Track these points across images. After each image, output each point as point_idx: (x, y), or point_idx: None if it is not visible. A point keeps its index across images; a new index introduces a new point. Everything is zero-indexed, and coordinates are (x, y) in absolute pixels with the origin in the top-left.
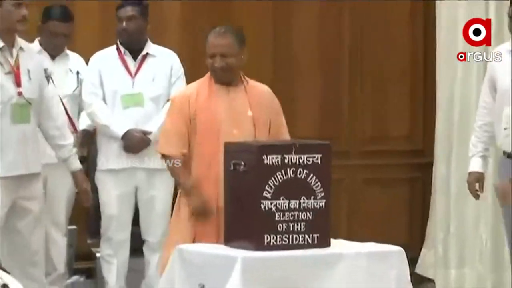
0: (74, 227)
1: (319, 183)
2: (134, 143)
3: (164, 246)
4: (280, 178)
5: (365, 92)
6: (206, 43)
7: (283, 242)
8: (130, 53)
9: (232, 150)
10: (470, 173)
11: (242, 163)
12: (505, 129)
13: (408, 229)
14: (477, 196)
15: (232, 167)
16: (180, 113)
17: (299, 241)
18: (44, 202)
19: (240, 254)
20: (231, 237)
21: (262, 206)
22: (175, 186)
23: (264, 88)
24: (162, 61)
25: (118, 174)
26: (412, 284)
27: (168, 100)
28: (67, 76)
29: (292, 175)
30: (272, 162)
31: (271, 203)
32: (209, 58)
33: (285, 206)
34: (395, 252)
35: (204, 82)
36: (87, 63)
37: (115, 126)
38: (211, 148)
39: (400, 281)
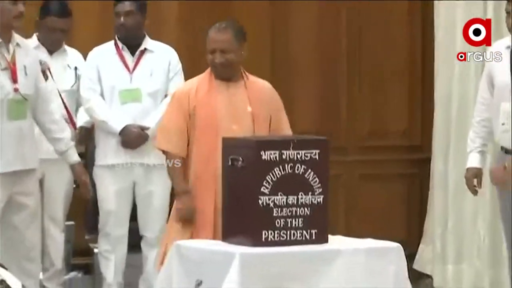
0: (71, 222)
1: (317, 178)
2: (132, 138)
3: (162, 242)
4: (278, 173)
5: (363, 90)
6: (206, 39)
7: (281, 238)
8: (128, 49)
9: (230, 146)
10: (468, 169)
11: (240, 158)
12: (503, 124)
13: (406, 225)
14: (475, 192)
15: (230, 163)
16: (180, 109)
17: (297, 237)
18: (40, 197)
19: (238, 250)
20: (229, 233)
21: (260, 201)
22: None
23: (264, 84)
24: (160, 56)
25: (116, 169)
26: (410, 280)
27: (166, 96)
28: (65, 72)
29: (290, 171)
30: (270, 157)
31: (269, 199)
32: (209, 54)
33: (283, 202)
34: (393, 248)
35: (204, 78)
36: (85, 59)
37: (113, 121)
38: (210, 143)
39: (398, 277)
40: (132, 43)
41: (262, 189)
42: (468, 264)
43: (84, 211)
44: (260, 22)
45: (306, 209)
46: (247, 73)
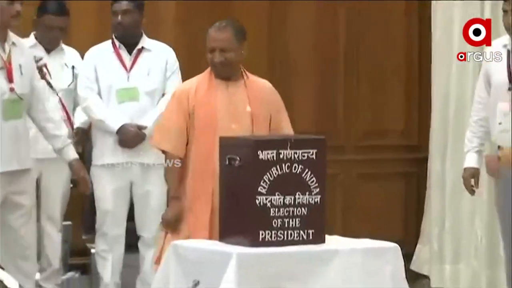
0: (69, 222)
1: (314, 178)
2: (129, 137)
3: (159, 241)
4: (275, 173)
5: (361, 89)
6: (206, 38)
7: (278, 238)
8: (125, 47)
9: (228, 145)
10: (465, 169)
11: (237, 158)
12: (500, 124)
13: (403, 224)
14: (472, 192)
15: (227, 162)
16: (180, 108)
17: (294, 237)
18: (37, 197)
19: (235, 250)
20: (226, 233)
21: (257, 201)
22: None
23: (265, 84)
24: (157, 55)
25: (113, 169)
26: (407, 281)
27: (163, 95)
28: (62, 71)
29: (287, 170)
30: (267, 157)
31: (266, 199)
32: (208, 53)
33: (280, 202)
34: (390, 248)
35: (204, 77)
36: (83, 58)
37: (110, 120)
38: (208, 142)
39: (395, 278)
40: (129, 42)
41: (259, 189)
42: (466, 264)
43: (81, 211)
44: (258, 21)
45: (303, 209)
46: (247, 73)
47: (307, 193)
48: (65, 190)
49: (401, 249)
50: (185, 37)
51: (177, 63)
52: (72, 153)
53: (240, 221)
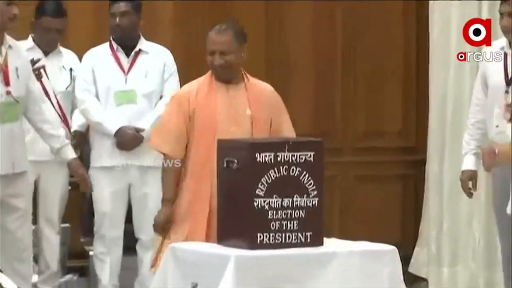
0: (67, 225)
1: (311, 181)
2: (127, 140)
3: (156, 243)
4: (273, 176)
5: (358, 90)
6: (207, 40)
7: (276, 241)
8: (123, 50)
9: (225, 147)
10: (463, 171)
11: (235, 160)
12: (497, 126)
13: (401, 226)
14: (470, 195)
15: (225, 165)
16: (180, 111)
17: (292, 239)
18: (32, 199)
19: (233, 253)
20: (224, 236)
21: (255, 204)
22: None
23: (266, 87)
24: (155, 57)
25: (111, 171)
26: (405, 283)
27: (161, 97)
28: (60, 73)
29: (285, 173)
30: (264, 159)
31: (264, 201)
32: (209, 55)
33: (278, 204)
34: (388, 251)
35: (205, 80)
36: (80, 60)
37: (108, 123)
38: (207, 145)
39: (393, 280)
40: (127, 44)
41: (257, 192)
42: (463, 266)
43: (79, 214)
44: (256, 22)
45: (301, 211)
46: (248, 75)
47: (305, 195)
48: (63, 193)
49: (399, 251)
50: (182, 37)
51: (175, 66)
52: (70, 153)
53: (238, 223)
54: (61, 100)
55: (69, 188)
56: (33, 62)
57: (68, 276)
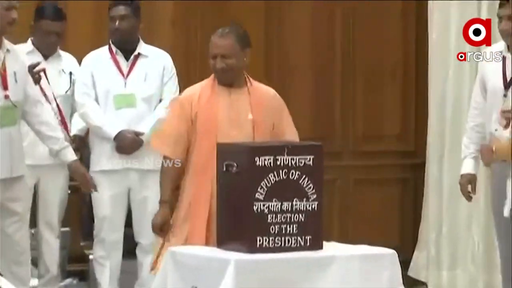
0: (67, 229)
1: (311, 184)
2: (127, 144)
3: (156, 247)
4: (273, 179)
5: (357, 92)
6: (209, 44)
7: (276, 245)
8: (122, 53)
9: (225, 151)
10: (462, 175)
11: (234, 164)
12: (496, 130)
13: (400, 230)
14: (469, 198)
15: (224, 168)
16: (181, 114)
17: (291, 243)
18: (30, 202)
19: (233, 257)
20: (224, 239)
21: (255, 207)
22: None
23: (268, 90)
24: (154, 61)
25: (111, 175)
26: (405, 287)
27: (160, 100)
28: (60, 77)
29: (284, 177)
30: (264, 163)
31: (263, 205)
32: (211, 59)
33: (278, 208)
34: (388, 254)
35: (208, 83)
36: (80, 63)
37: (108, 127)
38: (208, 148)
39: (392, 283)
40: (126, 48)
41: (256, 195)
42: (463, 270)
43: (79, 217)
44: (255, 22)
45: (300, 215)
46: (251, 79)
47: (304, 199)
48: (63, 197)
49: (398, 255)
50: (182, 37)
51: (174, 69)
52: (70, 155)
53: (237, 227)
54: (61, 103)
55: (69, 192)
56: (33, 65)
57: (68, 280)
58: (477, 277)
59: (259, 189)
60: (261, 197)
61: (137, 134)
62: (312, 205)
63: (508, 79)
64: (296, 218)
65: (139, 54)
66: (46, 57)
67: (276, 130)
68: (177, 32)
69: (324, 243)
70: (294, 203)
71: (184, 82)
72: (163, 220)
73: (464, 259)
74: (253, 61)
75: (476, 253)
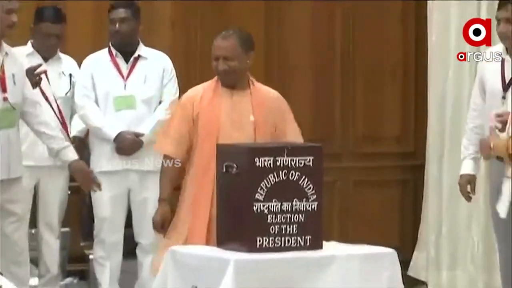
0: (67, 229)
1: (311, 185)
2: (127, 145)
3: (159, 248)
4: (272, 180)
5: (357, 93)
6: (212, 47)
7: (275, 245)
8: (122, 55)
9: (225, 152)
10: (461, 176)
11: (234, 165)
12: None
13: (400, 231)
14: (469, 199)
15: (224, 169)
16: (183, 115)
17: (291, 243)
18: (30, 203)
19: (233, 257)
20: (224, 239)
21: (255, 208)
22: None
23: (271, 93)
24: (154, 63)
25: (111, 176)
26: (405, 287)
27: (160, 102)
28: (60, 79)
29: (284, 178)
30: (264, 164)
31: (263, 205)
32: (214, 61)
33: (277, 208)
34: (387, 254)
35: (210, 85)
36: (79, 65)
37: (108, 128)
38: (209, 150)
39: (392, 283)
40: (126, 50)
41: (256, 196)
42: (462, 270)
43: (79, 218)
44: (255, 22)
45: (300, 215)
46: (254, 81)
47: (304, 199)
48: (63, 198)
49: (398, 255)
50: (181, 37)
51: (174, 71)
52: (72, 155)
53: (237, 227)
54: (61, 105)
55: (69, 192)
56: (34, 68)
57: (68, 280)
58: (476, 277)
59: (259, 190)
60: (261, 198)
61: (137, 135)
62: (312, 205)
63: (507, 81)
64: (296, 218)
65: (139, 56)
66: (46, 59)
67: (278, 132)
68: (176, 33)
69: (324, 243)
70: (294, 203)
71: (184, 82)
72: (163, 217)
73: (464, 259)
74: (253, 61)
75: (476, 254)
